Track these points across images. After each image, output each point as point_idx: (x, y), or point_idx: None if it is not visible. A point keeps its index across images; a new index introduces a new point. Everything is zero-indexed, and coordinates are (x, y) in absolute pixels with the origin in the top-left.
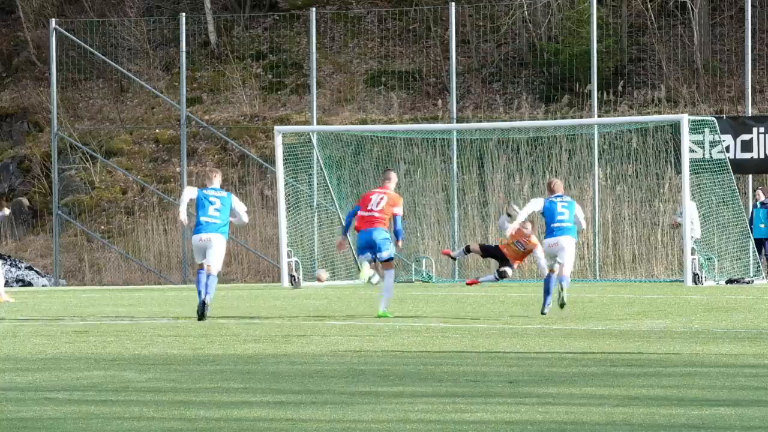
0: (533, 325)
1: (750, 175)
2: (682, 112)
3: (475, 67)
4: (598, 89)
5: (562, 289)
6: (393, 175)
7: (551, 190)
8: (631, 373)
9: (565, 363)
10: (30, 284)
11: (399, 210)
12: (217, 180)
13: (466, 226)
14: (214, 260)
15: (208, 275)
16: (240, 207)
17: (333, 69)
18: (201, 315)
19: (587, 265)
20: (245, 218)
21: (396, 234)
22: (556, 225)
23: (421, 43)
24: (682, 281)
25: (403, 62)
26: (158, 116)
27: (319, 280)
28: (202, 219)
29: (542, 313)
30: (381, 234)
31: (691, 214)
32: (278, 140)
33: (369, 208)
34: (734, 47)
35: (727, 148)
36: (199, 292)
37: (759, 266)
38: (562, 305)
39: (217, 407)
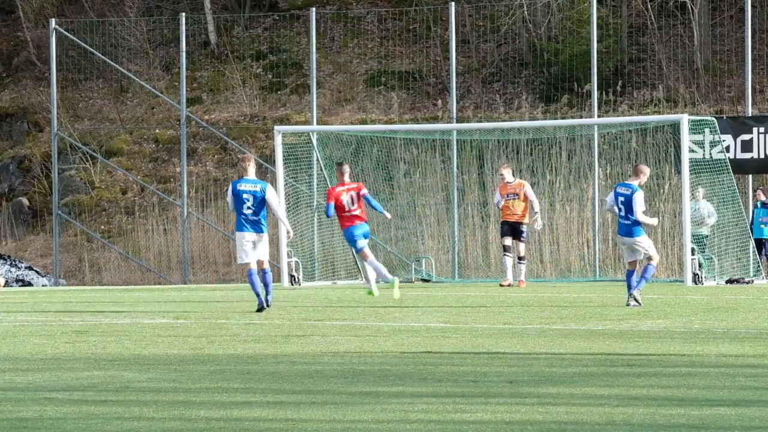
0: (533, 325)
1: (750, 175)
2: (682, 112)
3: (475, 67)
4: (598, 89)
5: (631, 288)
6: (346, 168)
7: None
8: (631, 373)
9: (565, 363)
10: (30, 284)
11: (365, 190)
12: (251, 169)
13: (466, 226)
14: (265, 255)
15: (264, 272)
16: (273, 200)
17: (333, 69)
18: (262, 309)
19: (587, 264)
20: (277, 211)
21: (376, 208)
22: (620, 222)
23: (421, 43)
24: (682, 281)
25: (403, 62)
26: (158, 116)
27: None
28: (242, 218)
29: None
30: (365, 228)
31: (708, 211)
32: (278, 140)
33: (347, 209)
34: (734, 47)
35: (727, 148)
36: (257, 294)
37: (759, 266)
38: (628, 303)
39: (217, 407)
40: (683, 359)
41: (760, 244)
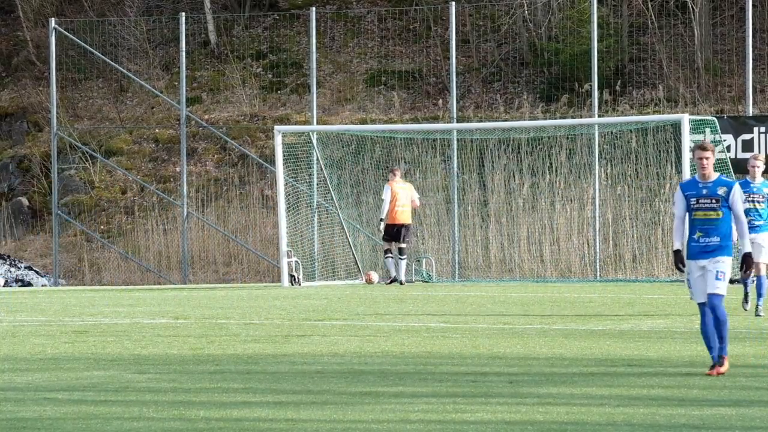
0: (533, 325)
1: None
2: (683, 112)
3: (475, 67)
4: (599, 89)
5: (758, 296)
6: None
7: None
8: (631, 373)
9: (565, 363)
10: (29, 284)
11: None
12: None
13: (466, 226)
14: None
15: None
16: None
17: (333, 69)
18: None
19: (587, 265)
20: None
21: None
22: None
23: (421, 42)
24: (683, 281)
25: (403, 62)
26: (158, 116)
27: (369, 281)
28: None
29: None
30: None
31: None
32: (278, 140)
33: None
34: (735, 47)
35: (728, 148)
36: None
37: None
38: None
39: (217, 407)
40: (683, 359)
41: None
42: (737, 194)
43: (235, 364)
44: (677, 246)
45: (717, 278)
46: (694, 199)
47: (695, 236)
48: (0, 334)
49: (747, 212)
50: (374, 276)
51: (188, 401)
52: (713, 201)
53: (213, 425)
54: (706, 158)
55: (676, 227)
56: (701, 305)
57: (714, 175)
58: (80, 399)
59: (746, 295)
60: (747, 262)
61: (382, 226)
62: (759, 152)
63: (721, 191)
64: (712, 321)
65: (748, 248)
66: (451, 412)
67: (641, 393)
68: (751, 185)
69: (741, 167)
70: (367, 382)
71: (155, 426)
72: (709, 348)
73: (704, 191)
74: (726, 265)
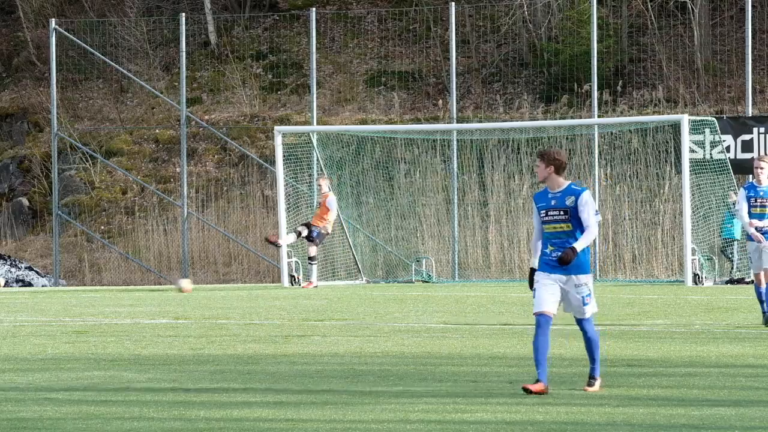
0: (533, 326)
1: (750, 176)
2: (682, 113)
3: (475, 67)
4: (598, 89)
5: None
6: None
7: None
8: (631, 373)
9: (565, 363)
10: (30, 284)
11: None
12: None
13: (466, 226)
14: None
15: None
16: None
17: (333, 69)
18: None
19: None
20: None
21: None
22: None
23: (421, 43)
24: (683, 281)
25: (403, 62)
26: (158, 116)
27: (181, 290)
28: None
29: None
30: None
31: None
32: (278, 140)
33: None
34: (734, 47)
35: (728, 149)
36: None
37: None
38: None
39: (217, 407)
40: (683, 359)
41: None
42: (586, 202)
43: (235, 364)
44: (533, 263)
45: (585, 304)
46: (544, 211)
47: (547, 250)
48: (0, 334)
49: (756, 217)
50: (185, 283)
51: (188, 401)
52: (561, 212)
53: (213, 425)
54: (537, 165)
55: (532, 242)
56: (538, 316)
57: (563, 184)
58: (80, 399)
59: None
60: (563, 257)
61: (329, 229)
62: (762, 154)
63: (569, 201)
64: (546, 339)
65: (579, 248)
66: (451, 412)
67: (641, 393)
68: (758, 189)
69: (741, 168)
70: (367, 382)
71: (155, 426)
72: (536, 362)
73: (553, 202)
74: (588, 286)
